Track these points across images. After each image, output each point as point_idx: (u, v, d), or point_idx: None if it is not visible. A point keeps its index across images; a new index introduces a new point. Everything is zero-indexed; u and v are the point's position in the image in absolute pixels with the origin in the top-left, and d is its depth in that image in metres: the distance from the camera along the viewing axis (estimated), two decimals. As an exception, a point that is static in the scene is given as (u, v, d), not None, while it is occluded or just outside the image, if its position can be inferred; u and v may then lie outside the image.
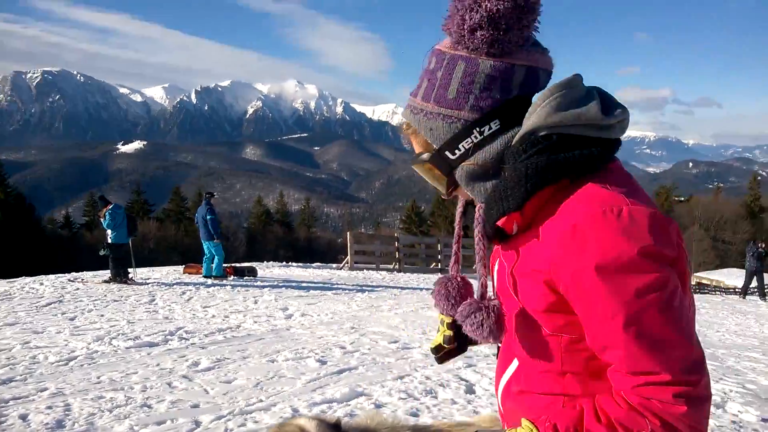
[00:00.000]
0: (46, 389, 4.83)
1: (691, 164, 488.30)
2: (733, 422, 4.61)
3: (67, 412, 4.26)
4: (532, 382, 1.19)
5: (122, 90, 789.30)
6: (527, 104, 1.11)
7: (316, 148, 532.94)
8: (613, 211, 0.97)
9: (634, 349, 0.97)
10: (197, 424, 4.11)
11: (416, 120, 1.16)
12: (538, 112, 1.06)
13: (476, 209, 1.18)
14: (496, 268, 1.27)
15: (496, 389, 1.35)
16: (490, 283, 1.28)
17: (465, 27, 1.05)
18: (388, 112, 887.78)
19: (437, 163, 1.16)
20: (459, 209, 1.34)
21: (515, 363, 1.24)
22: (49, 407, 4.36)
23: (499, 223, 1.11)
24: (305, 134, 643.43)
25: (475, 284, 1.33)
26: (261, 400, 4.68)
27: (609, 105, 1.09)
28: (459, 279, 1.34)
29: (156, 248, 51.97)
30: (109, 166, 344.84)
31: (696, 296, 22.96)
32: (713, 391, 5.05)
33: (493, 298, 1.24)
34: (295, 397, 4.73)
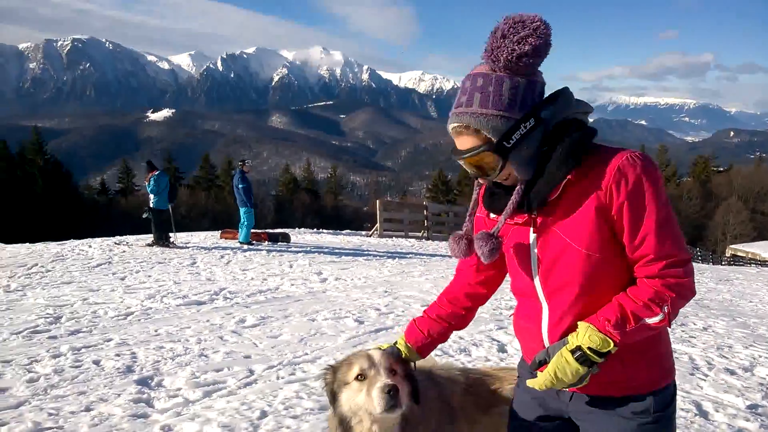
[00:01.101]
0: (111, 339, 5.29)
1: (732, 133, 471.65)
2: (761, 384, 4.81)
3: (134, 360, 4.71)
4: (573, 316, 1.63)
5: (150, 57, 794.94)
6: (542, 108, 1.59)
7: (341, 115, 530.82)
8: (632, 155, 1.55)
9: (663, 238, 1.52)
10: (251, 372, 4.51)
11: (478, 121, 1.56)
12: (565, 104, 1.62)
13: (519, 184, 1.63)
14: (533, 238, 1.68)
15: (540, 340, 1.72)
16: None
17: (513, 56, 1.52)
18: (414, 79, 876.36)
19: (499, 150, 1.56)
20: (476, 192, 1.82)
21: (547, 310, 1.69)
22: (118, 355, 4.81)
23: (558, 187, 1.58)
24: (331, 102, 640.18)
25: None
26: (306, 354, 5.05)
27: None
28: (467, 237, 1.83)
29: (187, 215, 53.15)
30: (140, 134, 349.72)
31: (728, 268, 22.75)
32: (743, 357, 5.26)
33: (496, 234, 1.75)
34: (338, 352, 5.08)
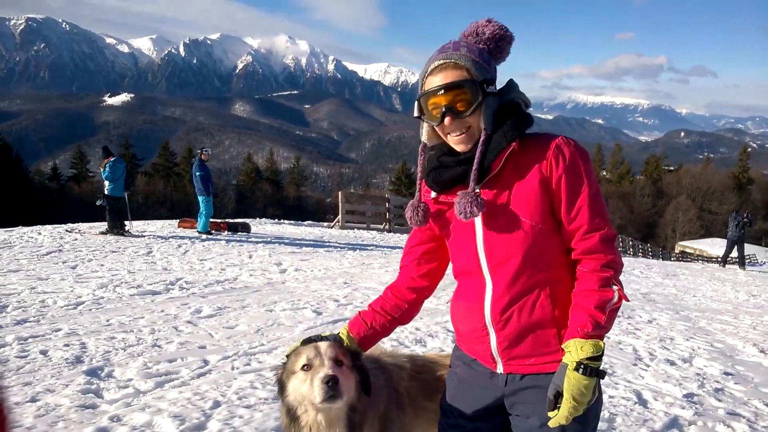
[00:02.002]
0: (60, 329, 5.14)
1: (683, 134, 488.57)
2: (697, 374, 5.06)
3: (83, 350, 4.59)
4: (516, 290, 1.74)
5: (109, 40, 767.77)
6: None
7: (306, 106, 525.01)
8: (565, 138, 1.73)
9: (595, 211, 1.69)
10: (206, 362, 4.46)
11: (467, 60, 1.70)
12: (514, 89, 1.80)
13: (482, 134, 1.73)
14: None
15: (481, 317, 1.79)
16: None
17: (497, 35, 1.76)
18: (380, 71, 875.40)
19: (481, 88, 1.70)
20: (420, 158, 1.90)
21: (490, 287, 1.77)
22: (66, 345, 4.68)
23: (500, 155, 1.71)
24: (296, 91, 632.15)
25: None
26: (263, 344, 5.03)
27: None
28: (424, 203, 1.90)
29: (145, 203, 51.85)
30: (96, 119, 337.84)
31: (676, 264, 23.65)
32: (684, 348, 5.50)
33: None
34: (294, 342, 5.07)
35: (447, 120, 1.71)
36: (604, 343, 1.64)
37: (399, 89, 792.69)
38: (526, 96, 1.82)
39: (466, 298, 1.88)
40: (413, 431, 2.26)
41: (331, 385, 1.80)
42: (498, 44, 1.76)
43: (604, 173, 73.78)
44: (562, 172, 1.67)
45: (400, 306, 2.05)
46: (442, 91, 1.69)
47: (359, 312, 2.11)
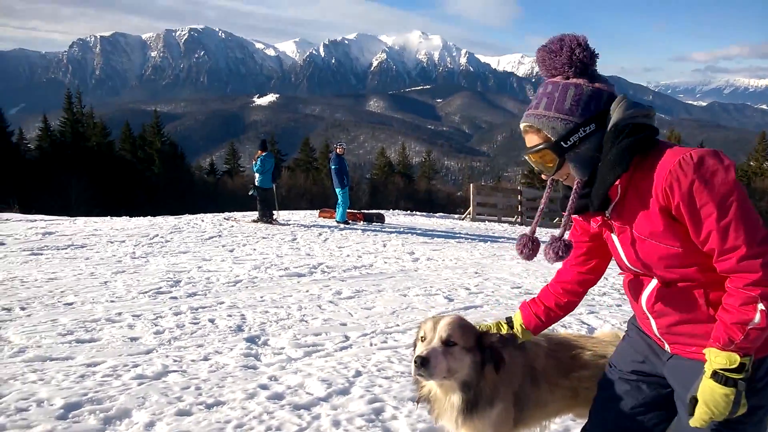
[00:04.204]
0: (223, 302, 5.87)
1: None
2: None
3: (243, 320, 5.22)
4: (671, 290, 1.77)
5: (258, 45, 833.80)
6: (603, 115, 1.74)
7: (438, 100, 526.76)
8: (685, 157, 1.58)
9: (726, 234, 1.55)
10: (347, 337, 4.85)
11: (540, 122, 1.77)
12: (618, 111, 1.71)
13: (575, 184, 1.79)
14: (614, 236, 1.85)
15: (640, 305, 1.89)
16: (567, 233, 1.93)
17: (576, 68, 1.75)
18: (513, 62, 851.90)
19: (556, 149, 1.75)
20: (547, 191, 2.00)
21: (653, 283, 1.82)
22: (229, 315, 5.35)
23: (612, 188, 1.72)
24: (428, 86, 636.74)
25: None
26: (397, 325, 5.32)
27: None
28: (535, 236, 2.00)
29: (288, 194, 55.61)
30: (246, 118, 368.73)
31: None
32: None
33: (563, 237, 1.90)
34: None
35: (544, 176, 1.85)
36: (748, 358, 1.57)
37: (533, 80, 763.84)
38: (644, 106, 1.75)
39: (629, 284, 1.95)
40: (548, 406, 2.36)
41: (418, 365, 1.98)
42: (587, 71, 1.77)
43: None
44: (679, 201, 1.59)
45: (572, 302, 2.19)
46: (528, 156, 1.82)
47: (529, 307, 2.25)
